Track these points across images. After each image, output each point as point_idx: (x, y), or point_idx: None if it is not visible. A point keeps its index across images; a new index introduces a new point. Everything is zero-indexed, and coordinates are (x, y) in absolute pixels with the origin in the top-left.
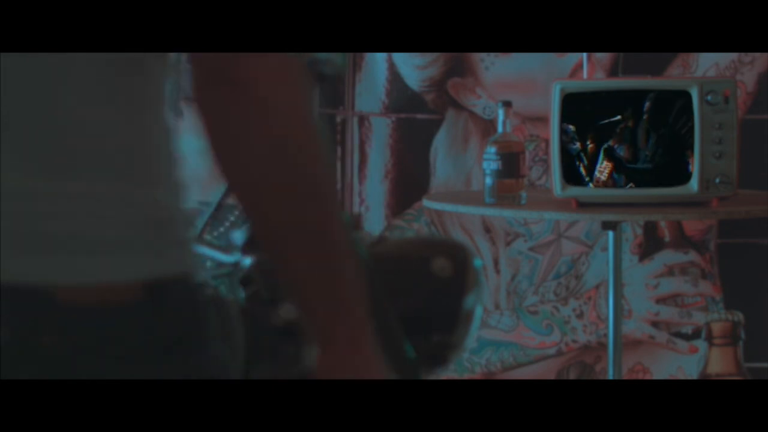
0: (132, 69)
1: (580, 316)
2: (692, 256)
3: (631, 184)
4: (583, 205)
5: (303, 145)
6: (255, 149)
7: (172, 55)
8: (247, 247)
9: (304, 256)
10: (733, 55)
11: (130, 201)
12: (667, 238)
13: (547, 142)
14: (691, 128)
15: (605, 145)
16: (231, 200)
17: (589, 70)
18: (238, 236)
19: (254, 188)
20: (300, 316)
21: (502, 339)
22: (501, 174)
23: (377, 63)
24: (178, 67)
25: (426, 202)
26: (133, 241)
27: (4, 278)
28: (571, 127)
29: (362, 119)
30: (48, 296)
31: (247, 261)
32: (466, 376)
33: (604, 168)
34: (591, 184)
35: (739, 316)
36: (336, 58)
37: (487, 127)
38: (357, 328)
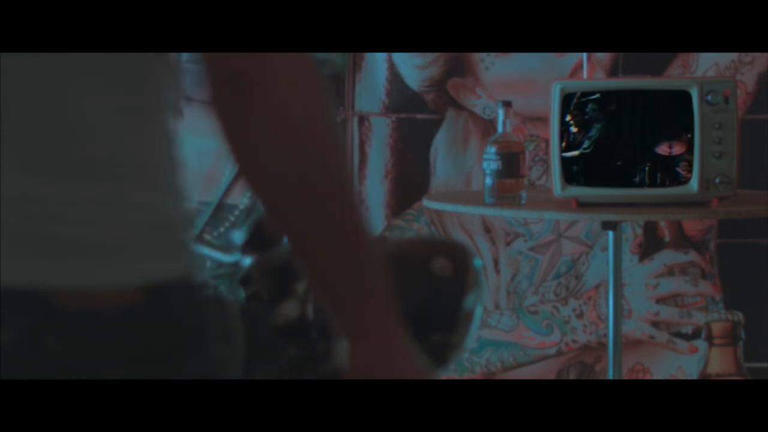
0: (136, 74)
1: (580, 316)
2: (692, 256)
3: (630, 184)
4: (583, 205)
5: (319, 143)
6: (272, 149)
7: (173, 57)
8: (247, 247)
9: (328, 251)
10: (733, 55)
11: (132, 205)
12: (667, 238)
13: (547, 142)
14: (691, 128)
15: (605, 145)
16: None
17: (589, 70)
18: (238, 236)
19: (273, 187)
20: (328, 312)
21: (502, 339)
22: (501, 174)
23: (377, 63)
24: (179, 69)
25: (426, 202)
26: (134, 244)
27: (7, 281)
28: (573, 129)
29: (362, 119)
30: (50, 300)
31: (247, 261)
32: (466, 376)
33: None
34: (590, 184)
35: (739, 316)
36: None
37: (487, 127)
38: (385, 318)
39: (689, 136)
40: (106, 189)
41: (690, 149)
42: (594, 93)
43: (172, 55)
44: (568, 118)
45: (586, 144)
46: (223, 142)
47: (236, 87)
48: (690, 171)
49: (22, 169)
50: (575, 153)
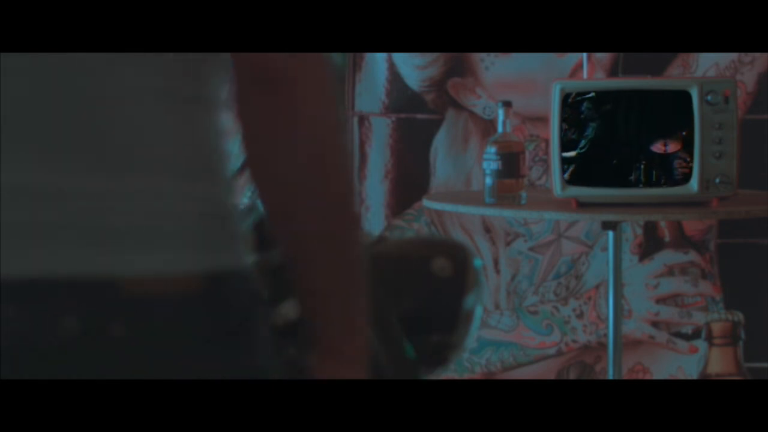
0: (182, 67)
1: (580, 316)
2: (692, 256)
3: (630, 184)
4: (583, 205)
5: (333, 159)
6: (291, 149)
7: (225, 55)
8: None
9: (327, 267)
10: (733, 55)
11: (187, 196)
12: (667, 238)
13: (547, 142)
14: (691, 128)
15: (604, 145)
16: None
17: (589, 70)
18: None
19: (284, 197)
20: (310, 323)
21: (502, 339)
22: (501, 174)
23: (377, 63)
24: (224, 60)
25: (426, 202)
26: (190, 234)
27: (71, 270)
28: (573, 129)
29: (362, 119)
30: (115, 288)
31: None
32: (466, 376)
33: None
34: (590, 184)
35: (739, 316)
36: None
37: (487, 127)
38: (362, 344)
39: (684, 134)
40: (160, 181)
41: (686, 147)
42: (594, 93)
43: (224, 54)
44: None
45: (585, 144)
46: (242, 139)
47: (266, 85)
48: (686, 169)
49: (77, 164)
50: (574, 153)
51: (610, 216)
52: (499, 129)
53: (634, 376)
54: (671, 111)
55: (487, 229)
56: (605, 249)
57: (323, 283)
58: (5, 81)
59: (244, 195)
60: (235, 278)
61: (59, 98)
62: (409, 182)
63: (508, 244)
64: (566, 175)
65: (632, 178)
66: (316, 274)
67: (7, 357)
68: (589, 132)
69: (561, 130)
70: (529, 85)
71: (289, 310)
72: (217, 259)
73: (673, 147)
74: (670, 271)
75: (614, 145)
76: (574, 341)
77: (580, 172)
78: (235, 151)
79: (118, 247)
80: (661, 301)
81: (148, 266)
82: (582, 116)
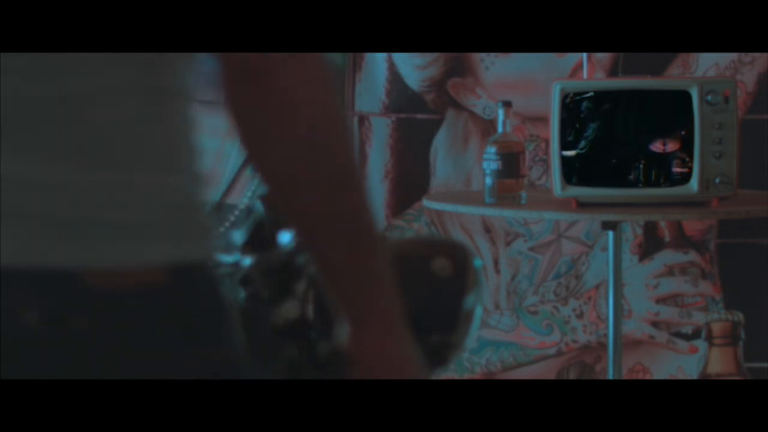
0: (155, 64)
1: (580, 316)
2: (692, 256)
3: (630, 184)
4: (583, 205)
5: (330, 139)
6: (284, 144)
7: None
8: (247, 247)
9: (337, 244)
10: (733, 55)
11: (153, 188)
12: (667, 238)
13: (547, 142)
14: (691, 128)
15: (604, 145)
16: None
17: (589, 70)
18: (238, 236)
19: (286, 182)
20: (333, 302)
21: (502, 339)
22: (501, 174)
23: (377, 63)
24: (193, 54)
25: (426, 202)
26: (156, 226)
27: (33, 261)
28: (573, 129)
29: (362, 119)
30: (77, 279)
31: (247, 261)
32: (466, 376)
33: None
34: (590, 184)
35: (739, 316)
36: (336, 58)
37: (487, 127)
38: (389, 310)
39: (683, 133)
40: (125, 172)
41: (685, 147)
42: (594, 93)
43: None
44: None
45: (585, 144)
46: (237, 138)
47: (250, 80)
48: (686, 169)
49: (44, 155)
50: (574, 153)
51: (610, 216)
52: (499, 129)
53: (634, 376)
54: (671, 111)
55: (487, 229)
56: (605, 249)
57: (335, 256)
58: None
59: (244, 196)
60: (201, 270)
61: (25, 92)
62: (409, 182)
63: (508, 244)
64: (571, 172)
65: (632, 178)
66: (327, 248)
67: None
68: (589, 132)
69: (561, 130)
70: (529, 85)
71: (289, 310)
72: (182, 250)
73: (672, 147)
74: (670, 271)
75: (614, 145)
76: (574, 341)
77: (582, 173)
78: (230, 150)
79: (80, 238)
80: (661, 301)
81: (110, 257)
82: (582, 116)
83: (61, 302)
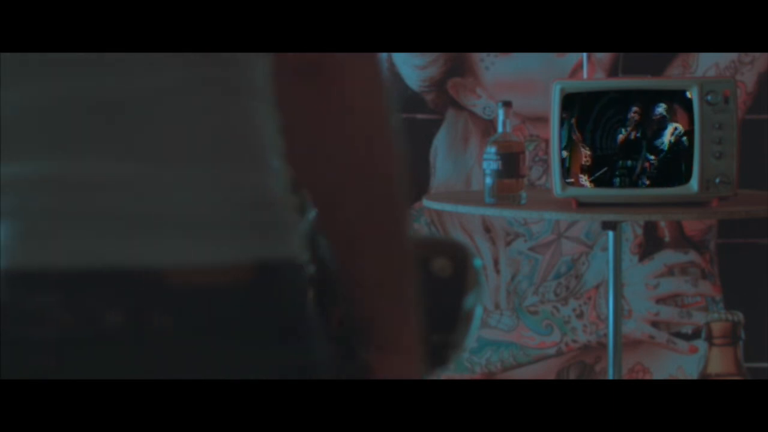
0: (230, 62)
1: (580, 316)
2: (692, 256)
3: (630, 184)
4: (583, 205)
5: (383, 151)
6: (336, 150)
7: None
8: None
9: (376, 258)
10: (733, 55)
11: (233, 185)
12: (667, 238)
13: (547, 142)
14: (691, 128)
15: (605, 145)
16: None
17: (589, 70)
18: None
19: (331, 189)
20: (361, 318)
21: (502, 339)
22: (501, 174)
23: None
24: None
25: (426, 202)
26: (238, 222)
27: (113, 262)
28: (574, 127)
29: None
30: (160, 278)
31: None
32: (466, 376)
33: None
34: (590, 184)
35: (739, 316)
36: None
37: (487, 127)
38: (415, 334)
39: (687, 136)
40: (202, 170)
41: (685, 147)
42: (594, 93)
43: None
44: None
45: (585, 144)
46: (283, 136)
47: (307, 75)
48: (687, 170)
49: (121, 152)
50: (575, 153)
51: (610, 216)
52: (499, 129)
53: (634, 376)
54: (671, 111)
55: (487, 229)
56: (605, 249)
57: (372, 273)
58: (42, 73)
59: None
60: (286, 267)
61: (100, 92)
62: (409, 182)
63: (508, 244)
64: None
65: (632, 178)
66: (365, 264)
67: (51, 350)
68: (588, 132)
69: (561, 130)
70: (529, 85)
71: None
72: (265, 247)
73: (672, 146)
74: (670, 271)
75: (617, 146)
76: (574, 341)
77: (582, 173)
78: (277, 142)
79: (162, 237)
80: (661, 301)
81: (194, 256)
82: (585, 117)
83: (145, 302)
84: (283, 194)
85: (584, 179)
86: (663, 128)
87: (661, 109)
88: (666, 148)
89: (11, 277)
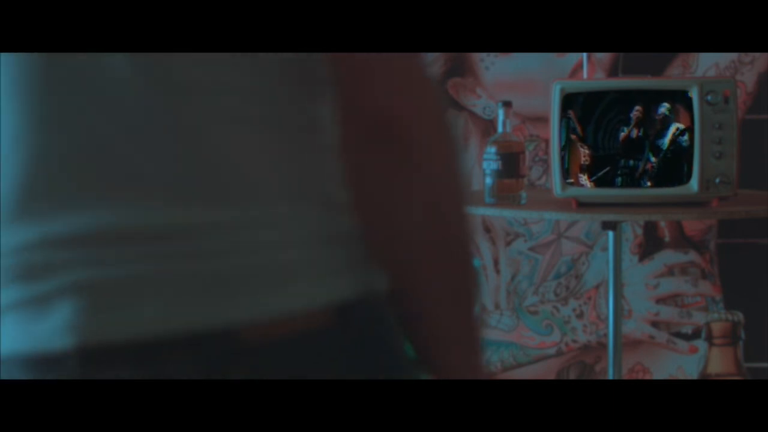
0: (289, 95)
1: (580, 316)
2: (692, 256)
3: (631, 184)
4: (583, 205)
5: (457, 206)
6: (411, 206)
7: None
8: None
9: (451, 324)
10: (733, 55)
11: (302, 222)
12: (667, 238)
13: (547, 142)
14: (691, 128)
15: (605, 146)
16: None
17: (589, 70)
18: None
19: (406, 247)
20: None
21: (502, 339)
22: (501, 174)
23: None
24: (329, 79)
25: None
26: (310, 263)
27: (181, 325)
28: (575, 126)
29: None
30: (232, 338)
31: None
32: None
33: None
34: (590, 184)
35: (739, 316)
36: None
37: (487, 127)
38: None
39: (688, 135)
40: (263, 210)
41: (685, 147)
42: (596, 93)
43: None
44: (569, 116)
45: (585, 144)
46: (355, 195)
47: (380, 134)
48: (688, 170)
49: (171, 199)
50: (574, 153)
51: (610, 216)
52: (499, 129)
53: (634, 376)
54: (671, 111)
55: (487, 229)
56: (605, 249)
57: (445, 342)
58: (98, 119)
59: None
60: (364, 305)
61: (158, 131)
62: None
63: (508, 244)
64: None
65: (634, 177)
66: (440, 334)
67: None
68: (589, 132)
69: (560, 129)
70: (529, 85)
71: None
72: (343, 287)
73: (672, 147)
74: (670, 271)
75: (617, 146)
76: (574, 341)
77: (582, 173)
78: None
79: (229, 290)
80: (661, 301)
81: (266, 307)
82: (585, 117)
83: (220, 363)
84: (349, 228)
85: (584, 179)
86: (666, 128)
87: (663, 108)
88: (666, 147)
89: (84, 354)
